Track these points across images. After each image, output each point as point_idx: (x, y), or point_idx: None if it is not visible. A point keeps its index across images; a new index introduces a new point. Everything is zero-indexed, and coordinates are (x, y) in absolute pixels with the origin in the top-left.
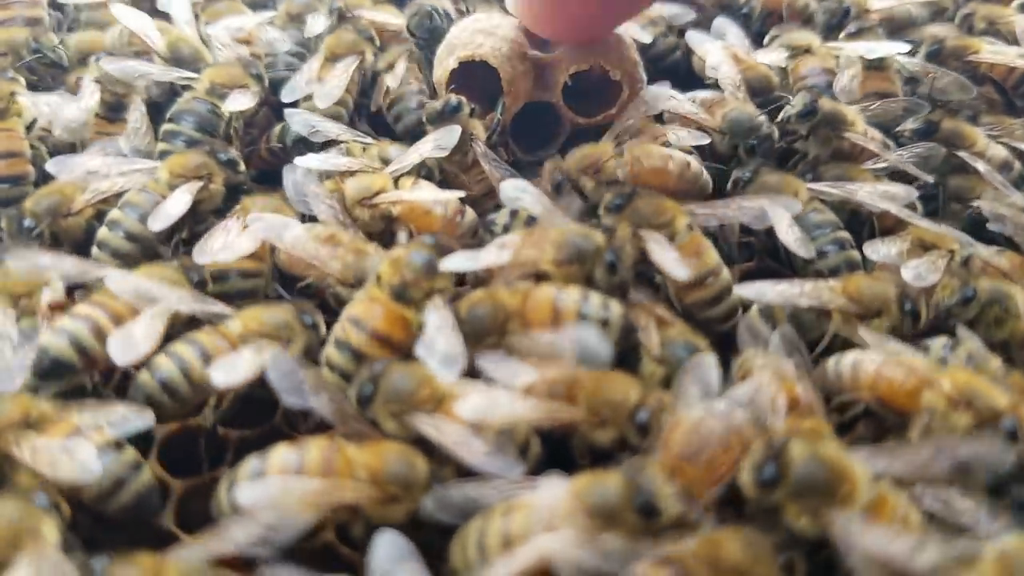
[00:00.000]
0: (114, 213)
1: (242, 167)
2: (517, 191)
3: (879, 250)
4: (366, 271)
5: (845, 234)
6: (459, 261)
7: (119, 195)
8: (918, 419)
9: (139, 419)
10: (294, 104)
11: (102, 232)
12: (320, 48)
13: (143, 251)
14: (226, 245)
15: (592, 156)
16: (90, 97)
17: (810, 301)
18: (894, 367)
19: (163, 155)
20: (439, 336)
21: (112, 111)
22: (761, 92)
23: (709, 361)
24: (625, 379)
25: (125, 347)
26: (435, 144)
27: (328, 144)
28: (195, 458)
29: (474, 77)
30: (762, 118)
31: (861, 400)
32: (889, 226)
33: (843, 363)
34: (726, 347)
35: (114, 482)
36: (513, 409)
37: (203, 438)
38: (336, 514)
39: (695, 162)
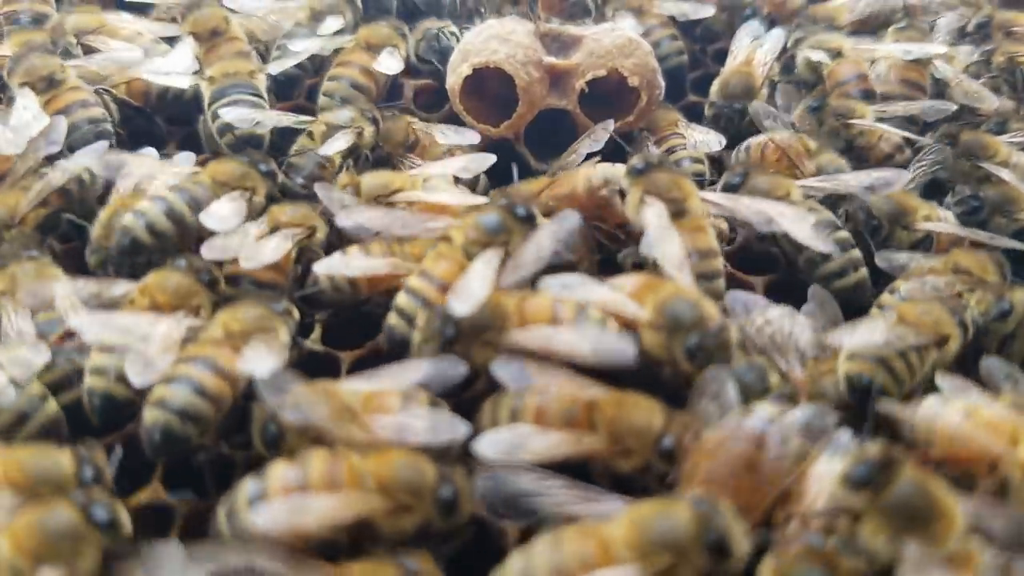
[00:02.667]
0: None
1: (278, 179)
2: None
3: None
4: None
5: (846, 234)
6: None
7: (61, 193)
8: (986, 481)
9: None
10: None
11: (128, 219)
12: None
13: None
14: (249, 253)
15: (529, 190)
16: None
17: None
18: (977, 428)
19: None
20: (473, 280)
21: None
22: (739, 96)
23: (723, 376)
24: (646, 402)
25: (143, 368)
26: (463, 166)
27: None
28: (200, 479)
29: (488, 84)
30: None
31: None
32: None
33: (917, 416)
34: None
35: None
36: (535, 446)
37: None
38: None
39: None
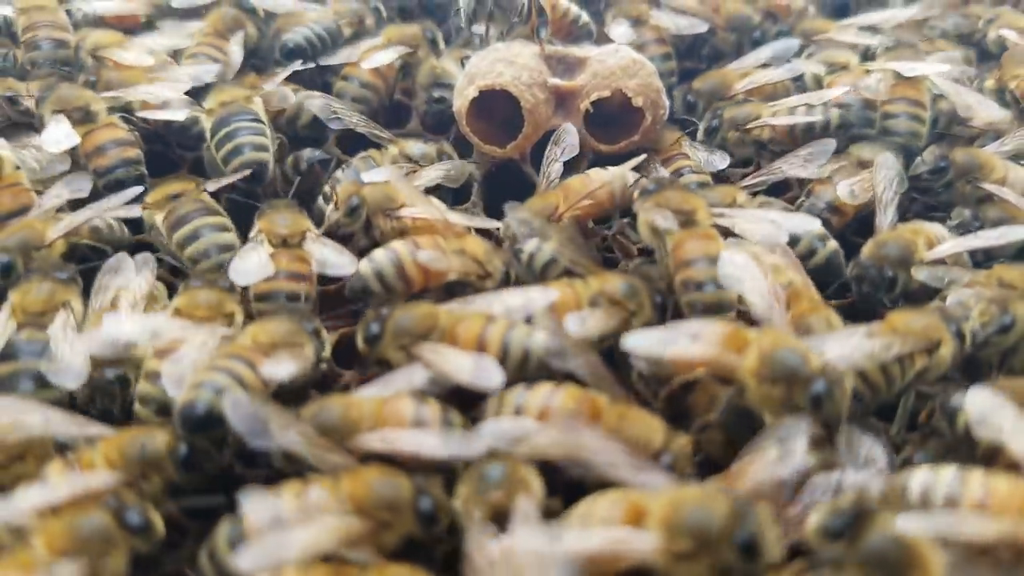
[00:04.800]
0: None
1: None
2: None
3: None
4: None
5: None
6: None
7: (92, 229)
8: None
9: None
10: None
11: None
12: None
13: None
14: (336, 263)
15: (544, 207)
16: None
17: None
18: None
19: None
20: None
21: None
22: (705, 94)
23: (800, 428)
24: (649, 419)
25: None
26: (445, 173)
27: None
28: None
29: (495, 106)
30: None
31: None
32: None
33: (936, 488)
34: None
35: None
36: (537, 441)
37: (219, 477)
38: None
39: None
